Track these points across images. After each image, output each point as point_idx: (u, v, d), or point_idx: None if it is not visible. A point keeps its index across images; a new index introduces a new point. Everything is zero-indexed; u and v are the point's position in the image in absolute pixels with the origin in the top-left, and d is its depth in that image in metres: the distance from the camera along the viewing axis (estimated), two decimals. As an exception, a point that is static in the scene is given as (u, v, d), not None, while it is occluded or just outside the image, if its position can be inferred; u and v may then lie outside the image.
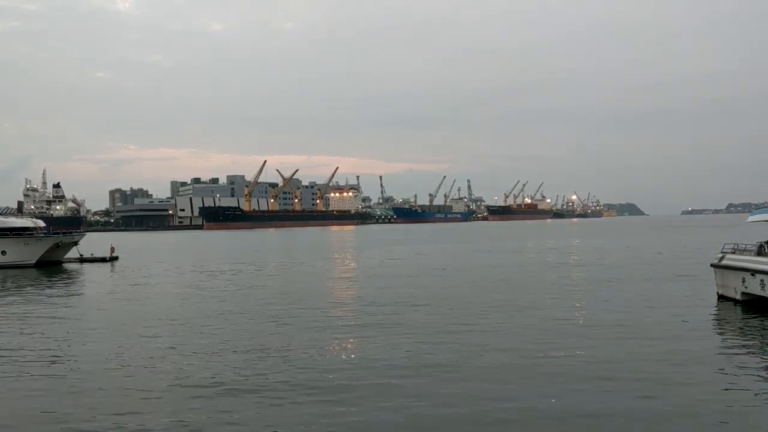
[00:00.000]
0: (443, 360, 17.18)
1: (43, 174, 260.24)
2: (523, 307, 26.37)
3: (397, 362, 17.03)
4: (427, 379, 15.25)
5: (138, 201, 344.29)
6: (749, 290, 24.56)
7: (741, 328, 21.21)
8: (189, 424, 12.54)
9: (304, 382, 15.27)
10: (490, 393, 14.09)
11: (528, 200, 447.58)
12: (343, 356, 18.07)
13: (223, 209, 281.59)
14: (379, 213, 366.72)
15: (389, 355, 17.92)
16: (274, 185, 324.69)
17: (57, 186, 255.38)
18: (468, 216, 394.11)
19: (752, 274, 24.14)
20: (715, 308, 25.38)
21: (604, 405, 13.12)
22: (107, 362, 17.94)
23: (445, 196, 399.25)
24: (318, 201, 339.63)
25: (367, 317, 24.64)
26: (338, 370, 16.34)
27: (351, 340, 20.32)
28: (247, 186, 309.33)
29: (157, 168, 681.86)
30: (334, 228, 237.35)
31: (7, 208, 71.26)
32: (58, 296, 34.95)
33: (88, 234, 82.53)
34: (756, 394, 13.67)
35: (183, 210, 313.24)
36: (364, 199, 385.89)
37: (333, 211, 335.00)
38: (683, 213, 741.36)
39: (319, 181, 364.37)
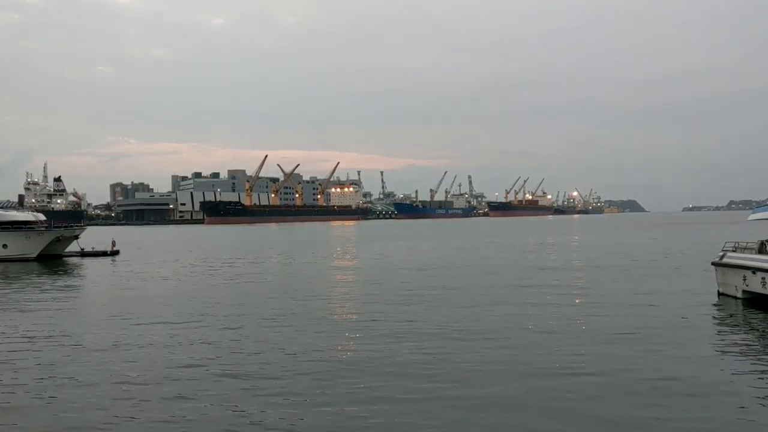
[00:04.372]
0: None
1: (44, 168, 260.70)
2: (523, 303, 26.37)
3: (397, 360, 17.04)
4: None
5: (139, 195, 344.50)
6: (750, 288, 24.55)
7: (742, 326, 21.18)
8: (186, 419, 12.57)
9: (304, 376, 15.29)
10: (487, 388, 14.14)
11: (529, 196, 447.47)
12: (341, 351, 18.10)
13: (224, 204, 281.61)
14: (380, 208, 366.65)
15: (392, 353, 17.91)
16: (275, 180, 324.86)
17: (58, 180, 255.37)
18: (469, 212, 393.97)
19: (753, 272, 24.11)
20: (716, 306, 25.35)
21: (600, 402, 13.13)
22: (106, 357, 17.95)
23: (446, 191, 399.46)
24: (319, 196, 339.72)
25: (365, 311, 24.69)
26: (339, 367, 16.36)
27: (349, 335, 20.37)
28: (248, 181, 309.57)
29: (158, 162, 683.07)
30: (335, 223, 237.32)
31: (8, 201, 71.23)
32: (59, 290, 34.95)
33: (88, 228, 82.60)
34: (756, 392, 13.64)
35: (184, 204, 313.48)
36: (365, 195, 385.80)
37: (334, 206, 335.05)
38: (684, 210, 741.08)
39: (320, 177, 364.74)
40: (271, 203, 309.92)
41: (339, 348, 18.48)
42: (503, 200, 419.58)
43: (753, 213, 27.85)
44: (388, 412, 12.60)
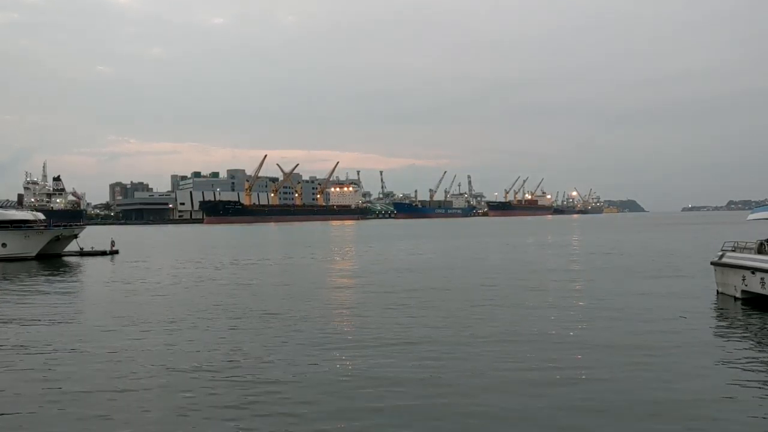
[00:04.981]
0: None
1: (44, 167, 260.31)
2: (522, 306, 26.37)
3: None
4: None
5: (138, 195, 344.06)
6: (749, 288, 24.54)
7: (741, 326, 21.18)
8: (184, 417, 12.56)
9: (302, 382, 15.28)
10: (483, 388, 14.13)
11: (528, 196, 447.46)
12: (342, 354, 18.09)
13: (224, 203, 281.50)
14: (379, 208, 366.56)
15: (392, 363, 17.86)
16: (274, 180, 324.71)
17: (57, 179, 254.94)
18: (468, 212, 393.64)
19: (752, 272, 24.10)
20: (715, 306, 25.36)
21: (599, 402, 13.13)
22: (105, 356, 17.93)
23: (445, 191, 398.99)
24: (318, 196, 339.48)
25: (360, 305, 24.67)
26: (338, 373, 16.33)
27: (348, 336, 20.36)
28: (247, 180, 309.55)
29: (158, 162, 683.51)
30: (335, 223, 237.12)
31: (8, 200, 71.26)
32: (58, 289, 34.91)
33: (88, 227, 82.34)
34: (756, 392, 13.65)
35: (183, 204, 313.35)
36: (365, 194, 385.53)
37: (333, 206, 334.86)
38: (683, 210, 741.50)
39: (319, 176, 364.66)
40: (270, 203, 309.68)
41: (338, 355, 18.28)
42: (503, 200, 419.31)
43: (752, 213, 27.86)
44: (388, 423, 12.30)
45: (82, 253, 63.32)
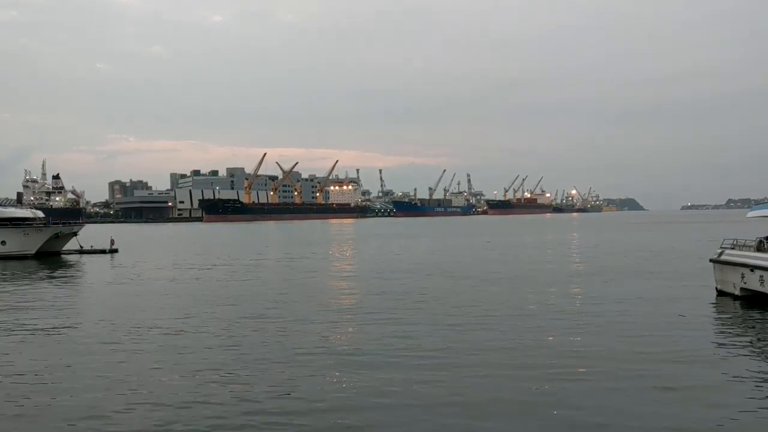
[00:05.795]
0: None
1: (43, 165, 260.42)
2: (522, 302, 26.37)
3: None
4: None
5: (137, 193, 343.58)
6: (748, 286, 24.53)
7: (739, 324, 21.19)
8: (183, 416, 12.56)
9: (301, 374, 15.27)
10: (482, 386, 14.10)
11: (528, 194, 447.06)
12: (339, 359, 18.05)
13: (223, 202, 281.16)
14: (378, 206, 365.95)
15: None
16: (274, 178, 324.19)
17: (56, 177, 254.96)
18: (468, 210, 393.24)
19: (751, 270, 24.10)
20: (714, 303, 25.35)
21: (599, 400, 13.12)
22: (100, 359, 17.92)
23: (444, 189, 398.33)
24: (318, 194, 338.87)
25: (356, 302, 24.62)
26: (334, 383, 16.29)
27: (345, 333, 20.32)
28: (246, 179, 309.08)
29: (157, 160, 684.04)
30: (334, 221, 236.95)
31: (7, 199, 71.22)
32: (56, 287, 34.91)
33: (87, 226, 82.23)
34: (754, 390, 13.65)
35: (182, 202, 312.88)
36: (364, 193, 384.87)
37: (333, 204, 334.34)
38: (683, 208, 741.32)
39: (319, 174, 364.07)
40: (269, 201, 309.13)
41: (332, 361, 18.08)
42: (502, 198, 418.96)
43: (751, 211, 27.85)
44: None
45: (81, 252, 63.29)
